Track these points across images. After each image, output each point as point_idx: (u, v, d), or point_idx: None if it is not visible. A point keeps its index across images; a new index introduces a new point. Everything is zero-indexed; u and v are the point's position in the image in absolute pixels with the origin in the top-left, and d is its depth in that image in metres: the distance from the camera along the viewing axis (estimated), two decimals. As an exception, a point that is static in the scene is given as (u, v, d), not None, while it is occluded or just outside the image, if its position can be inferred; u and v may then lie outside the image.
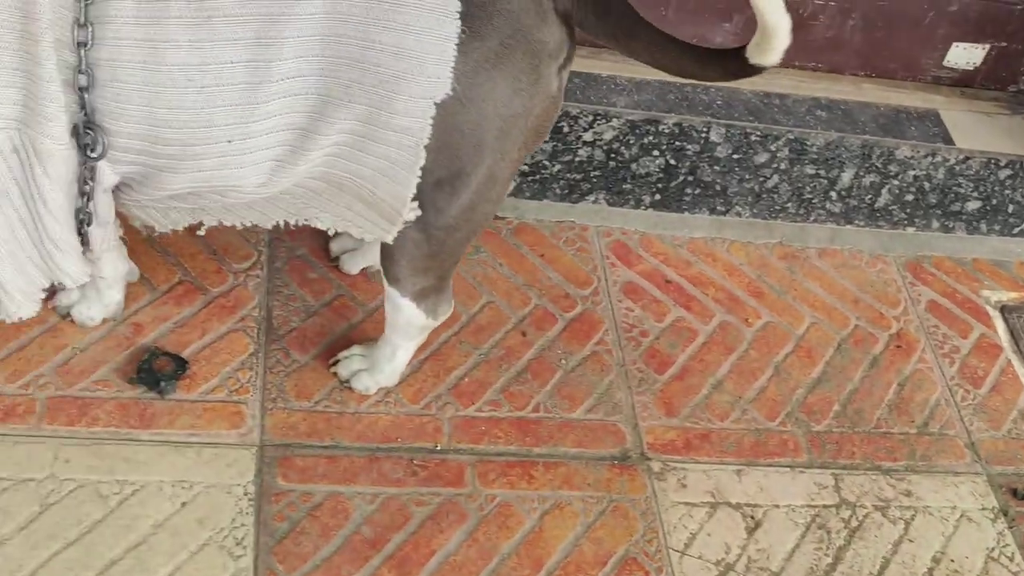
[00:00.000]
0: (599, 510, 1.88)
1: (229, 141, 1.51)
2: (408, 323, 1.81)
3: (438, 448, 1.90)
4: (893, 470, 2.08)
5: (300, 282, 2.09)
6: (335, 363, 1.96)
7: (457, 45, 1.43)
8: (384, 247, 1.69)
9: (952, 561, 1.95)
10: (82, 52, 1.45)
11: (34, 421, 1.78)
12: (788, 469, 2.02)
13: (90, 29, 1.44)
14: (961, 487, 2.06)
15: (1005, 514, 2.04)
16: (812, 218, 2.50)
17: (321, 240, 2.14)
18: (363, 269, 2.12)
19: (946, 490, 2.05)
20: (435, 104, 1.46)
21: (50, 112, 1.47)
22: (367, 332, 2.03)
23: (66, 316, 1.92)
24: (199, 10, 1.43)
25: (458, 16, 1.42)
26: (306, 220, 1.68)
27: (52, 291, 1.92)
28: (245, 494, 1.76)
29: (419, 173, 1.52)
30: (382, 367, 1.91)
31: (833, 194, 2.50)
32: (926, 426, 2.15)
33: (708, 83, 2.38)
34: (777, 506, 1.96)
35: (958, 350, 2.31)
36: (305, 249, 2.14)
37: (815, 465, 2.05)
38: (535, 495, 1.87)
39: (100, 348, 1.90)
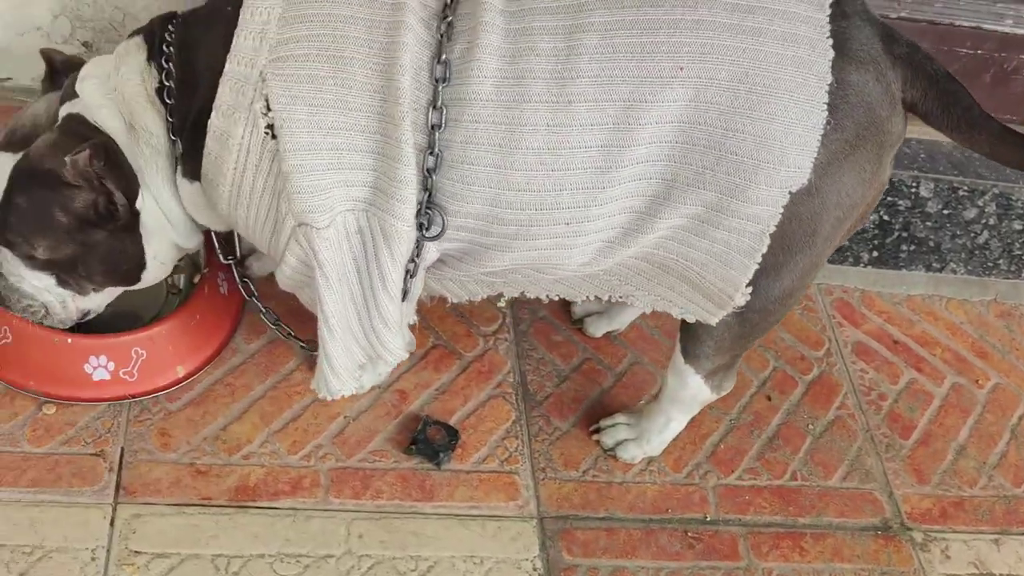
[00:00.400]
0: (873, 583, 1.87)
1: (567, 223, 1.50)
2: (692, 398, 1.80)
3: (708, 519, 1.89)
4: None
5: (547, 346, 2.08)
6: (597, 431, 1.95)
7: (821, 136, 1.42)
8: (690, 325, 1.68)
9: None
10: (436, 134, 1.44)
11: (321, 494, 1.77)
12: (1041, 538, 2.02)
13: (444, 112, 1.44)
14: None
15: None
16: (1023, 275, 2.50)
17: (562, 302, 2.13)
18: (606, 332, 2.12)
19: None
20: (789, 193, 1.45)
21: (403, 195, 1.46)
22: (618, 397, 2.03)
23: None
24: (560, 95, 1.42)
25: (825, 107, 1.42)
26: (620, 297, 1.68)
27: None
28: (534, 569, 1.76)
29: (759, 260, 1.51)
30: (651, 438, 1.90)
31: (1041, 250, 2.50)
32: None
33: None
34: (1038, 577, 1.96)
35: None
36: (547, 311, 2.14)
37: (1066, 533, 2.04)
38: (809, 568, 1.86)
39: (370, 417, 1.89)
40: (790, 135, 1.42)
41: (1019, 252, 2.48)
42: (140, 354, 1.80)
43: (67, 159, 1.53)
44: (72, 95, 1.62)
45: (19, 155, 1.62)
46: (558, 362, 2.06)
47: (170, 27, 1.57)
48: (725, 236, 1.50)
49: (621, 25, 1.41)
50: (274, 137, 1.45)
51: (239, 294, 1.95)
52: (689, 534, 1.86)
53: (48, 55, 1.71)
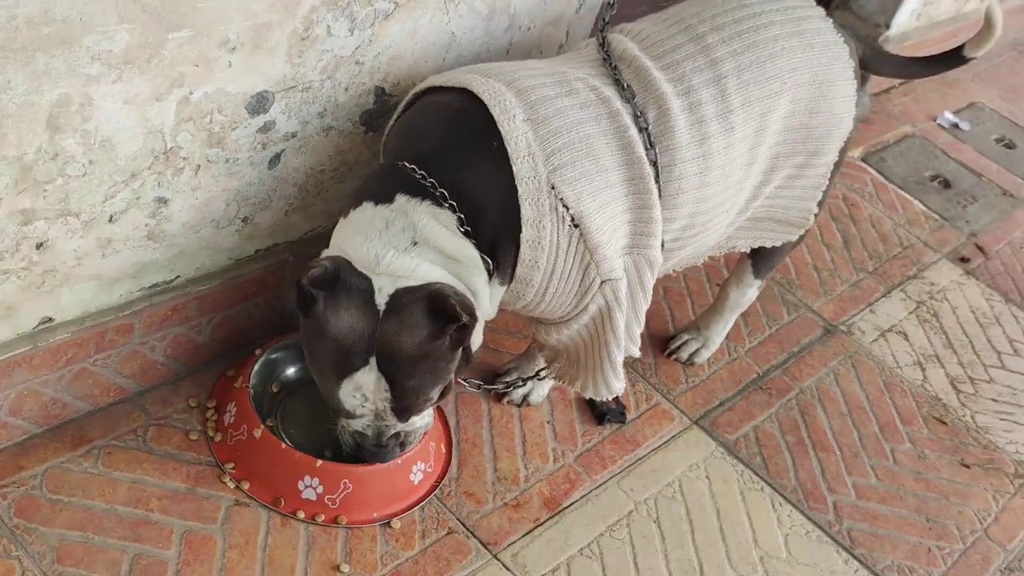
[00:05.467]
0: None
1: (727, 211, 2.17)
2: (748, 301, 2.58)
3: (760, 374, 2.71)
4: None
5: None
6: (671, 353, 2.64)
7: (856, 99, 2.24)
8: (763, 249, 2.43)
9: None
10: (659, 182, 2.00)
11: (588, 478, 2.28)
12: None
13: (659, 162, 2.00)
14: None
15: None
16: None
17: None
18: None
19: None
20: (843, 142, 2.26)
21: (657, 231, 1.98)
22: (678, 320, 2.72)
23: (521, 404, 2.38)
24: (726, 125, 2.04)
25: (855, 81, 2.22)
26: (728, 249, 2.37)
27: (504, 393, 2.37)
28: (717, 448, 2.45)
29: (824, 190, 2.31)
30: (715, 340, 2.64)
31: None
32: None
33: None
34: None
35: None
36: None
37: None
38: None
39: (560, 412, 2.40)
40: (845, 106, 2.22)
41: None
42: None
43: (451, 332, 1.80)
44: (368, 282, 1.80)
45: (372, 359, 1.81)
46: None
47: (419, 174, 1.86)
48: (804, 182, 2.27)
49: (744, 66, 2.08)
50: (576, 226, 1.90)
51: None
52: (760, 387, 2.67)
53: (315, 281, 1.80)
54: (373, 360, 1.81)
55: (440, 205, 1.85)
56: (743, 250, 2.42)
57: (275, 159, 2.04)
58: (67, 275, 1.85)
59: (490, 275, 1.92)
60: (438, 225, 1.85)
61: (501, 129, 1.85)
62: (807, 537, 2.33)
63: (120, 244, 1.89)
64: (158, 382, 2.13)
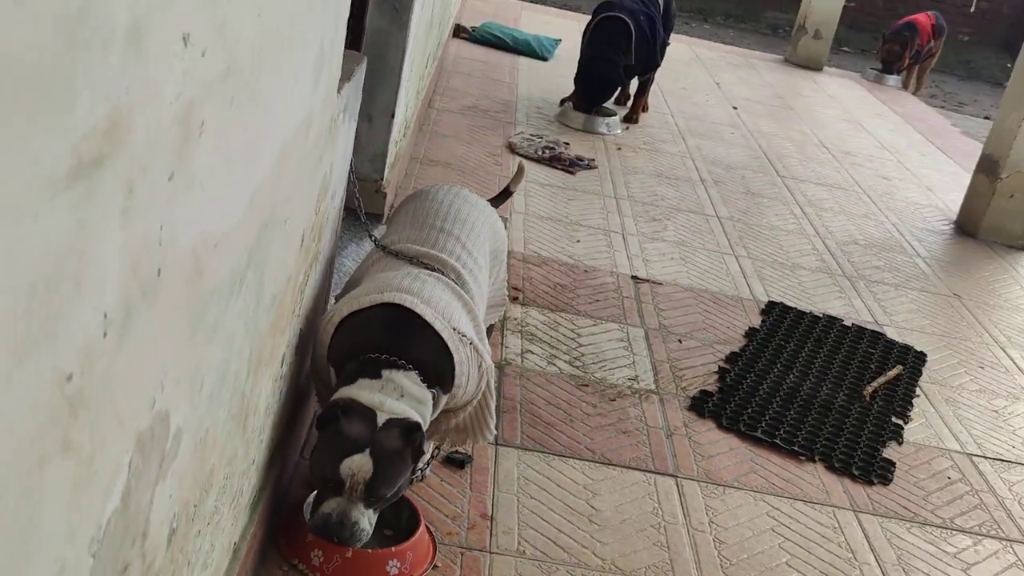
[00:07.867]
0: None
1: (483, 307, 3.77)
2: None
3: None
4: None
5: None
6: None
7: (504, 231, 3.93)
8: (490, 327, 4.02)
9: None
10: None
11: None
12: None
13: (464, 291, 3.55)
14: None
15: None
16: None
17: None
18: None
19: None
20: (506, 253, 3.95)
21: (484, 331, 3.54)
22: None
23: (423, 479, 3.70)
24: (479, 266, 3.64)
25: (499, 220, 3.91)
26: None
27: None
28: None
29: (508, 278, 3.99)
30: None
31: None
32: None
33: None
34: None
35: None
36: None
37: None
38: (520, 390, 4.46)
39: (437, 472, 3.77)
40: (503, 235, 3.94)
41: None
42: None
43: (412, 446, 3.14)
44: (374, 413, 3.09)
45: (368, 450, 3.08)
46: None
47: (384, 356, 3.19)
48: (499, 278, 3.95)
49: (468, 232, 3.68)
50: (470, 343, 3.35)
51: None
52: (503, 411, 4.26)
53: (340, 407, 3.06)
54: (368, 450, 3.07)
55: (408, 370, 3.19)
56: (491, 322, 4.01)
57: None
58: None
59: (436, 396, 3.31)
60: (410, 383, 3.19)
61: (418, 311, 3.24)
62: (597, 470, 4.02)
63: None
64: None
